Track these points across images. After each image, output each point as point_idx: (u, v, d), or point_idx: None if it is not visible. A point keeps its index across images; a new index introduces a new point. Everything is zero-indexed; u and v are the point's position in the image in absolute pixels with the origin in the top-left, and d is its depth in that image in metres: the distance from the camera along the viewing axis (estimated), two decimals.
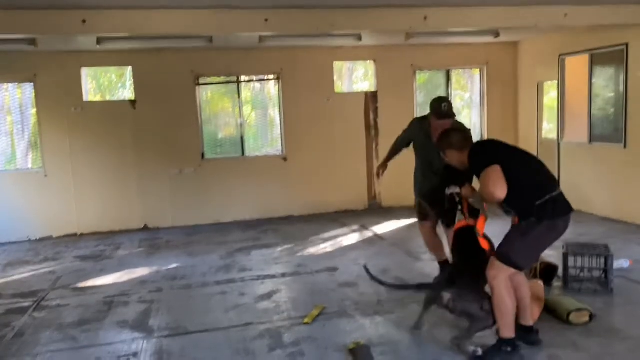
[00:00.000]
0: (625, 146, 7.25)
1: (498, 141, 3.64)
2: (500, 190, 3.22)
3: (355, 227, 7.87)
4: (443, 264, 4.95)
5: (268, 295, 5.05)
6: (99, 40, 6.68)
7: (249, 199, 8.71)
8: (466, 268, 3.67)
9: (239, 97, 8.70)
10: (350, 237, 7.26)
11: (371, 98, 9.06)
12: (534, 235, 3.30)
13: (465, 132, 3.95)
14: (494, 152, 3.49)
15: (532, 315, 3.74)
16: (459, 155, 3.55)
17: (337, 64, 9.08)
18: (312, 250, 6.70)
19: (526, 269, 3.48)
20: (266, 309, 4.69)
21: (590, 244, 4.98)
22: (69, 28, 5.75)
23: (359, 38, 7.36)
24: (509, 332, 3.43)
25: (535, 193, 3.31)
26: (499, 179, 3.23)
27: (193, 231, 8.10)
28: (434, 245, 4.99)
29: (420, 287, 4.31)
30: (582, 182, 8.05)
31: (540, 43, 8.77)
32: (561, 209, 3.31)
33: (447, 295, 3.64)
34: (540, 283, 4.43)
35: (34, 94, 7.93)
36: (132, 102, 8.26)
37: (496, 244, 3.51)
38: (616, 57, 7.32)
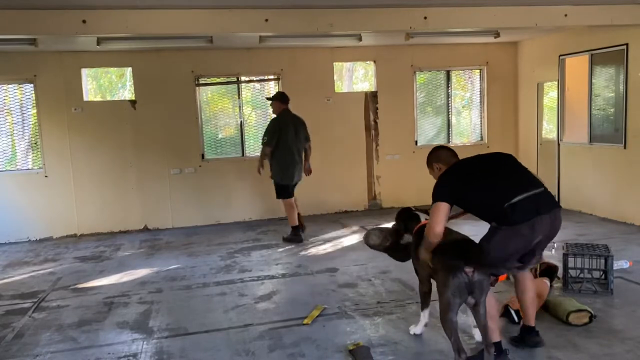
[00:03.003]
0: (625, 147, 7.25)
1: (460, 168, 3.59)
2: (439, 228, 3.30)
3: (355, 227, 7.86)
4: (296, 227, 7.10)
5: (268, 296, 5.05)
6: (99, 41, 6.68)
7: (249, 199, 8.70)
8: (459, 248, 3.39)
9: (239, 97, 8.70)
10: (350, 238, 7.25)
11: (371, 98, 9.06)
12: (496, 240, 3.28)
13: None
14: (449, 185, 3.46)
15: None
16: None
17: (337, 64, 9.07)
18: (312, 251, 6.70)
19: (502, 273, 3.42)
20: (266, 310, 4.70)
21: (590, 245, 4.97)
22: (69, 28, 5.74)
23: (359, 38, 7.36)
24: (493, 335, 3.38)
25: (493, 204, 3.30)
26: (442, 216, 3.32)
27: (193, 232, 8.10)
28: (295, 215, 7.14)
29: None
30: (582, 182, 8.05)
31: (540, 43, 8.77)
32: (521, 215, 3.22)
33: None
34: (547, 282, 4.43)
35: (34, 94, 7.93)
36: (132, 102, 8.26)
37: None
38: (616, 57, 7.32)
